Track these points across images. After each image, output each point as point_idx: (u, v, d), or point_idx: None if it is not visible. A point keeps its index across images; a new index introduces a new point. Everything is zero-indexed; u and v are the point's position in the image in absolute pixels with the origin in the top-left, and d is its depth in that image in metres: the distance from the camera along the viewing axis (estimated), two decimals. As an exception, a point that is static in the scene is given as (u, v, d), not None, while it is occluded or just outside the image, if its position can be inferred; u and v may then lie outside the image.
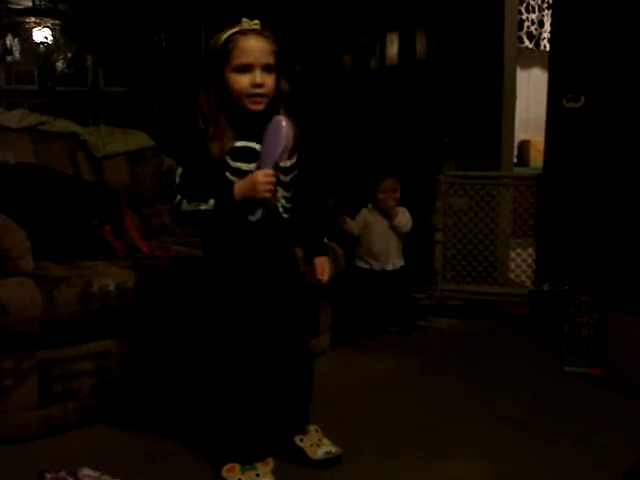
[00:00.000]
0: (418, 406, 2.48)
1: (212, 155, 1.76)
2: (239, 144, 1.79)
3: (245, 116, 1.80)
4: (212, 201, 1.74)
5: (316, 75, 4.46)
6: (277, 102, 1.85)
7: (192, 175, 1.78)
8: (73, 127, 3.13)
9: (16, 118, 2.99)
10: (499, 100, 4.17)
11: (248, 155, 1.79)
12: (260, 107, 1.79)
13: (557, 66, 3.54)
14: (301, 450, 1.99)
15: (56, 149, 3.00)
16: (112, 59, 3.86)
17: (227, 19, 3.83)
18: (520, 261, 3.88)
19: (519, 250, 3.91)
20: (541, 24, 7.07)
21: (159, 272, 2.38)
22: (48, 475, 1.74)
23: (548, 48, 4.19)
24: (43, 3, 3.62)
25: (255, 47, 1.76)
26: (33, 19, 3.63)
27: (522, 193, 3.78)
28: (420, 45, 4.38)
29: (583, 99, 3.36)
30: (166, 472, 1.95)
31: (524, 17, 6.93)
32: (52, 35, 3.68)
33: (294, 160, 1.89)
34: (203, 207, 1.75)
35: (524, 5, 6.88)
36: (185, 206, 1.77)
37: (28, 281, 2.08)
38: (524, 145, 7.27)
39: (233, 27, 1.78)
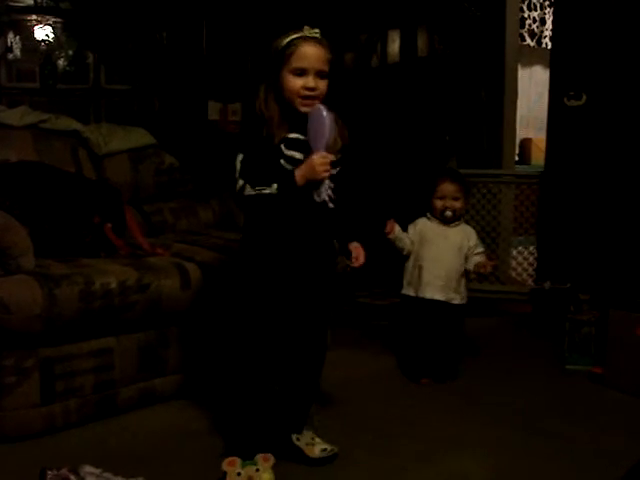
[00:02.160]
0: (417, 403, 2.48)
1: (272, 142, 1.86)
2: (291, 135, 1.89)
3: (295, 115, 1.89)
4: (275, 185, 1.83)
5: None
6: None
7: (254, 160, 1.86)
8: (75, 125, 3.13)
9: (18, 116, 2.99)
10: (500, 98, 4.16)
11: (299, 145, 1.89)
12: (308, 109, 1.88)
13: (559, 64, 3.53)
14: (299, 449, 2.02)
15: (58, 147, 3.01)
16: (113, 57, 3.86)
17: (228, 17, 3.82)
18: (521, 259, 3.89)
19: (520, 248, 3.91)
20: (543, 22, 7.06)
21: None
22: (50, 472, 1.74)
23: (550, 46, 4.19)
24: (44, 1, 3.62)
25: (313, 54, 1.86)
26: (34, 17, 3.62)
27: (523, 191, 3.79)
28: (421, 43, 4.37)
29: (585, 97, 3.36)
30: (167, 469, 1.95)
31: (526, 15, 6.92)
32: (53, 33, 3.68)
33: (339, 156, 1.97)
34: (267, 191, 1.83)
35: (526, 3, 6.87)
36: (249, 190, 1.84)
37: (29, 279, 2.08)
38: (525, 143, 7.25)
39: (296, 32, 1.88)
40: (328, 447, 2.02)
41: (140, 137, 3.36)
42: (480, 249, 2.77)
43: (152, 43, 3.97)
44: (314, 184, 1.87)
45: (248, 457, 1.87)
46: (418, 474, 1.96)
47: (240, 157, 1.87)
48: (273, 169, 1.86)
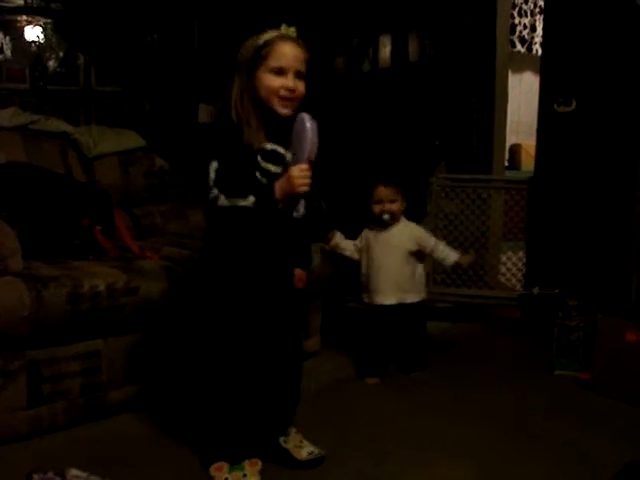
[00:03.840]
0: (407, 408, 2.48)
1: (248, 151, 1.80)
2: (268, 146, 1.84)
3: (273, 118, 1.84)
4: (252, 198, 1.76)
5: (309, 77, 4.46)
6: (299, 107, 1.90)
7: (230, 169, 1.78)
8: (64, 126, 3.12)
9: (7, 117, 2.98)
10: (491, 103, 4.17)
11: (276, 158, 1.84)
12: (288, 111, 1.83)
13: (549, 70, 3.55)
14: (286, 451, 2.01)
15: (47, 148, 3.00)
16: (104, 58, 3.85)
17: (219, 19, 3.82)
18: (510, 264, 3.89)
19: (509, 253, 3.92)
20: (533, 28, 7.09)
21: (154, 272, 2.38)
22: (36, 476, 1.74)
23: (540, 52, 4.21)
24: (35, 1, 3.61)
25: (291, 53, 1.83)
26: (25, 17, 3.62)
27: (513, 196, 3.79)
28: (412, 48, 4.39)
29: (574, 103, 3.37)
30: (155, 473, 1.95)
31: (516, 21, 6.94)
32: (44, 34, 3.67)
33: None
34: (242, 203, 1.77)
35: (516, 9, 6.90)
36: (223, 201, 1.77)
37: (17, 281, 2.07)
38: (515, 149, 7.28)
39: (273, 31, 1.84)
40: (315, 450, 2.01)
41: (130, 139, 3.35)
42: (440, 244, 2.76)
43: (143, 45, 3.96)
44: (292, 199, 1.80)
45: (235, 462, 1.87)
46: (407, 478, 1.96)
47: (214, 165, 1.78)
48: (250, 180, 1.80)
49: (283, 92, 1.81)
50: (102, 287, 2.20)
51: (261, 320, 1.89)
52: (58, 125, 3.11)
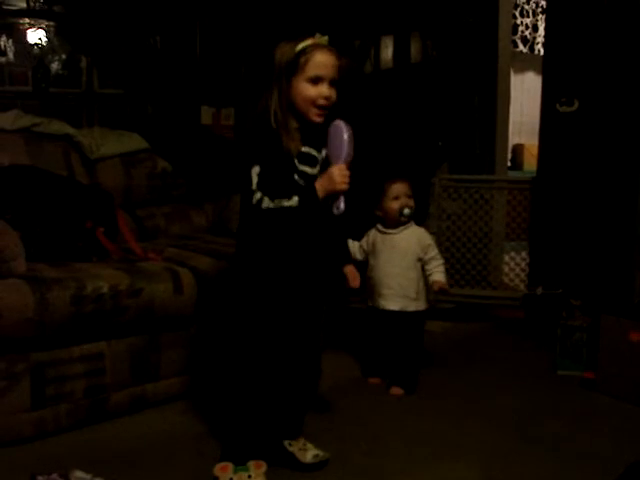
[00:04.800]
0: (411, 409, 2.48)
1: (288, 154, 1.85)
2: (304, 149, 1.89)
3: (306, 124, 1.89)
4: (296, 197, 1.80)
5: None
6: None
7: (272, 173, 1.83)
8: (67, 129, 3.13)
9: (10, 119, 2.98)
10: (493, 104, 4.18)
11: (310, 160, 1.90)
12: (321, 119, 1.88)
13: (551, 70, 3.55)
14: (291, 455, 2.02)
15: (50, 151, 3.00)
16: (106, 61, 3.86)
17: (222, 22, 3.82)
18: (514, 265, 3.89)
19: (512, 254, 3.92)
20: (535, 28, 7.09)
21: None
22: (40, 477, 1.74)
23: (542, 52, 4.21)
24: (37, 4, 3.62)
25: (328, 62, 1.86)
26: (27, 20, 3.62)
27: (516, 197, 3.79)
28: (415, 49, 4.39)
29: (577, 103, 3.37)
30: (159, 475, 1.95)
31: (518, 21, 6.95)
32: (46, 36, 3.67)
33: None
34: (287, 204, 1.80)
35: (518, 9, 6.90)
36: (267, 203, 1.80)
37: (21, 283, 2.07)
38: (518, 149, 7.29)
39: (306, 39, 1.86)
40: (320, 453, 2.02)
41: (133, 141, 3.35)
42: (437, 261, 2.71)
43: (145, 47, 3.97)
44: (333, 196, 1.86)
45: (240, 463, 1.87)
46: (411, 478, 1.96)
47: (257, 169, 1.82)
48: (292, 181, 1.85)
49: (321, 101, 1.85)
50: (106, 289, 2.21)
51: (295, 320, 1.93)
52: (61, 127, 3.11)
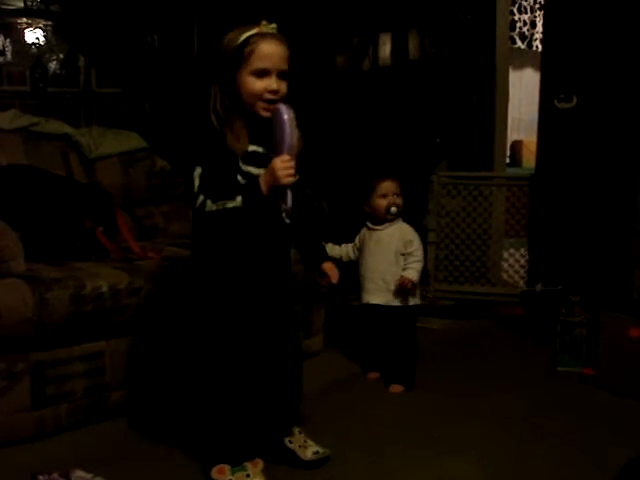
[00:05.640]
0: (411, 406, 2.48)
1: (231, 153, 1.76)
2: (250, 148, 1.80)
3: (254, 120, 1.80)
4: (239, 198, 1.72)
5: (309, 76, 4.46)
6: None
7: (213, 174, 1.74)
8: (65, 128, 3.12)
9: (8, 119, 2.97)
10: (492, 100, 4.18)
11: (256, 159, 1.80)
12: (269, 114, 1.78)
13: (549, 67, 3.55)
14: (291, 451, 2.00)
15: (48, 150, 3.00)
16: (104, 60, 3.85)
17: (220, 20, 3.81)
18: (513, 261, 3.90)
19: (512, 250, 3.92)
20: (533, 25, 7.10)
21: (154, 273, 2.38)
22: (40, 477, 1.74)
23: (540, 49, 4.21)
24: (35, 4, 3.61)
25: (275, 52, 1.75)
26: (25, 20, 3.61)
27: (515, 193, 3.80)
28: (413, 46, 4.38)
29: (575, 99, 3.37)
30: (158, 474, 1.95)
31: (516, 18, 6.96)
32: (44, 36, 3.67)
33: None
34: (230, 205, 1.72)
35: (516, 6, 6.91)
36: (210, 206, 1.73)
37: (20, 283, 2.07)
38: (517, 145, 7.29)
39: (251, 28, 1.77)
40: (320, 450, 2.00)
41: (131, 140, 3.35)
42: (414, 258, 2.69)
43: (143, 46, 3.96)
44: (279, 192, 1.74)
45: (236, 463, 1.86)
46: (412, 477, 1.96)
47: (198, 171, 1.74)
48: (235, 181, 1.76)
49: (267, 95, 1.75)
50: (105, 288, 2.21)
51: (257, 320, 1.87)
52: (59, 127, 3.11)
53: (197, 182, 1.75)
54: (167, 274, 2.41)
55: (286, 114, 1.71)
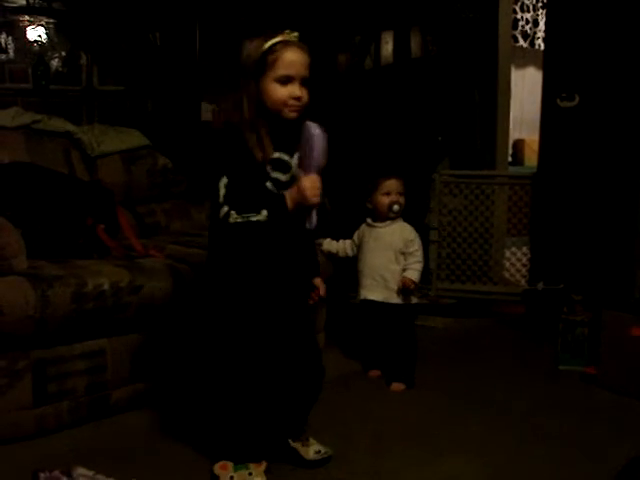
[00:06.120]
0: (412, 404, 2.48)
1: (257, 162, 1.76)
2: (276, 155, 1.81)
3: (278, 125, 1.81)
4: (265, 212, 1.72)
5: (311, 74, 4.46)
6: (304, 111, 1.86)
7: (240, 185, 1.75)
8: (67, 126, 3.13)
9: (10, 117, 2.98)
10: (494, 99, 4.17)
11: (282, 166, 1.81)
12: (296, 115, 1.80)
13: (551, 65, 3.54)
14: (294, 450, 2.01)
15: (50, 148, 3.00)
16: (106, 57, 3.85)
17: (221, 18, 3.81)
18: (515, 260, 3.89)
19: (514, 249, 3.91)
20: (536, 23, 7.08)
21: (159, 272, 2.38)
22: (42, 474, 1.74)
23: (542, 47, 4.20)
24: (37, 1, 3.61)
25: (298, 60, 1.78)
26: (27, 17, 3.61)
27: (517, 192, 3.79)
28: (415, 44, 4.38)
29: (577, 98, 3.37)
30: (160, 471, 1.95)
31: (519, 16, 6.94)
32: (46, 33, 3.67)
33: None
34: (255, 218, 1.72)
35: (519, 4, 6.89)
36: (234, 218, 1.73)
37: (22, 280, 2.07)
38: (519, 144, 7.28)
39: (274, 36, 1.78)
40: (322, 449, 2.01)
41: (133, 138, 3.35)
42: (415, 258, 2.70)
43: (145, 44, 3.96)
44: (304, 210, 1.76)
45: (240, 461, 1.86)
46: (414, 476, 1.96)
47: (224, 181, 1.74)
48: (261, 194, 1.76)
49: (291, 102, 1.77)
50: (106, 286, 2.21)
51: (275, 327, 1.87)
52: (61, 124, 3.11)
53: (222, 192, 1.75)
54: (176, 269, 2.42)
55: (317, 133, 1.73)
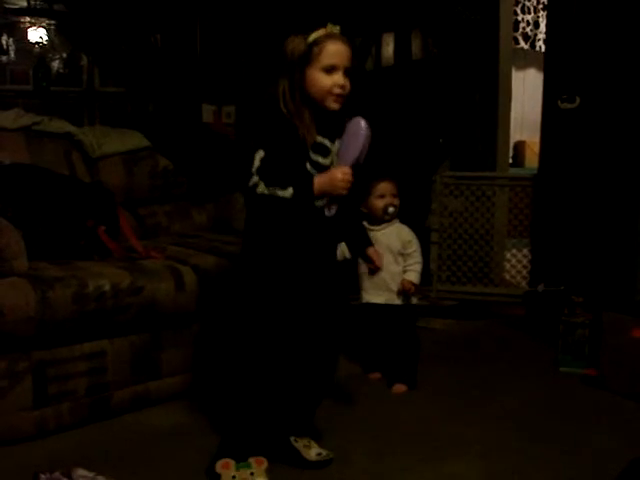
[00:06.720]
0: (413, 406, 2.48)
1: (300, 143, 1.85)
2: (318, 139, 1.89)
3: (321, 113, 1.89)
4: (291, 189, 1.81)
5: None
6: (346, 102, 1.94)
7: (274, 160, 1.83)
8: (68, 127, 3.12)
9: (11, 118, 2.98)
10: (495, 101, 4.17)
11: (323, 150, 1.90)
12: (338, 106, 1.89)
13: (552, 67, 3.54)
14: (296, 451, 2.01)
15: (51, 149, 2.99)
16: (107, 59, 3.86)
17: (222, 19, 3.82)
18: (515, 262, 3.89)
19: (514, 251, 3.92)
20: (536, 25, 7.07)
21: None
22: (43, 476, 1.74)
23: (543, 49, 4.20)
24: (38, 3, 3.62)
25: (342, 51, 1.87)
26: (28, 19, 3.62)
27: (517, 194, 3.79)
28: (416, 46, 4.38)
29: (578, 100, 3.37)
30: (161, 473, 1.95)
31: (519, 18, 6.93)
32: (47, 35, 3.67)
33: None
34: (280, 193, 1.81)
35: (519, 6, 6.88)
36: (262, 189, 1.81)
37: (22, 281, 2.08)
38: (519, 146, 7.27)
39: (320, 29, 1.88)
40: (323, 452, 2.02)
41: (134, 139, 3.35)
42: (414, 259, 2.72)
43: (146, 46, 3.96)
44: (330, 198, 1.87)
45: (241, 459, 1.87)
46: (415, 477, 1.96)
47: (261, 153, 1.83)
48: (294, 172, 1.84)
49: (337, 90, 1.85)
50: (107, 287, 2.21)
51: (301, 311, 1.92)
52: (62, 126, 3.11)
53: (257, 163, 1.83)
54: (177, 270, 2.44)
55: (364, 130, 1.86)
